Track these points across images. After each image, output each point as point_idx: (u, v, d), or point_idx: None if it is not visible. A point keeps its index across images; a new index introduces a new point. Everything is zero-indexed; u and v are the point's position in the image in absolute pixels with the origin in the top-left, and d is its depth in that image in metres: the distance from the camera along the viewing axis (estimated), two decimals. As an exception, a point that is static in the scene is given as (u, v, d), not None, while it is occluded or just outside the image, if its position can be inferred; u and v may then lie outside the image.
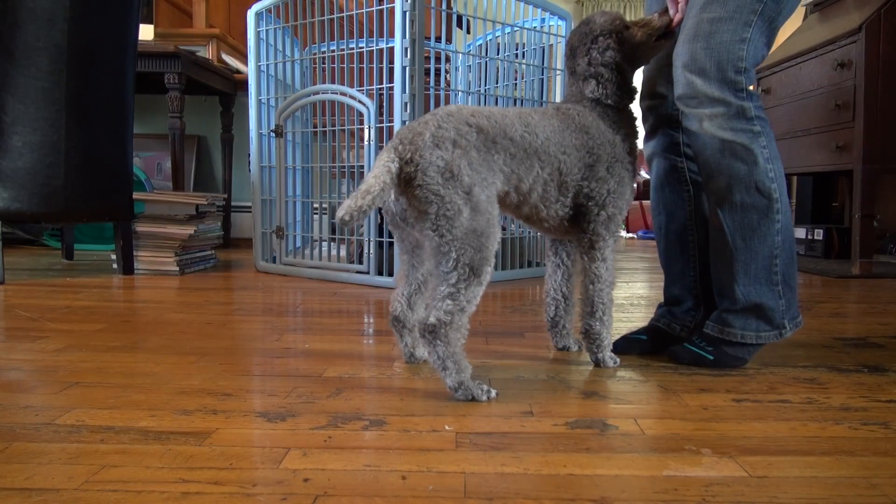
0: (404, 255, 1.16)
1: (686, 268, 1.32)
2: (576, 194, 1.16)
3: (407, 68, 2.05)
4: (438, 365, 1.00)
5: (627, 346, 1.31)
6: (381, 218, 2.19)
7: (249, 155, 2.59)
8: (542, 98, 2.49)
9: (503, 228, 2.44)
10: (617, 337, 1.33)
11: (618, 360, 1.22)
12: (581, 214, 1.18)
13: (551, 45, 2.51)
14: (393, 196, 1.05)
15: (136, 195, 2.39)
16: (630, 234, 5.29)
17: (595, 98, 1.20)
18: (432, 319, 0.99)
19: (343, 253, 2.46)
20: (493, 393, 1.02)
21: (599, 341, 1.20)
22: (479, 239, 0.99)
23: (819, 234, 3.39)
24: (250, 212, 3.54)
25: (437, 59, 2.79)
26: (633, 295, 2.07)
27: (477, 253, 0.99)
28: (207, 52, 3.48)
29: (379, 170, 1.00)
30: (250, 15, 2.48)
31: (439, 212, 0.98)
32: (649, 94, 1.32)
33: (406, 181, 1.00)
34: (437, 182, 0.98)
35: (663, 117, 1.31)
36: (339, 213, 0.96)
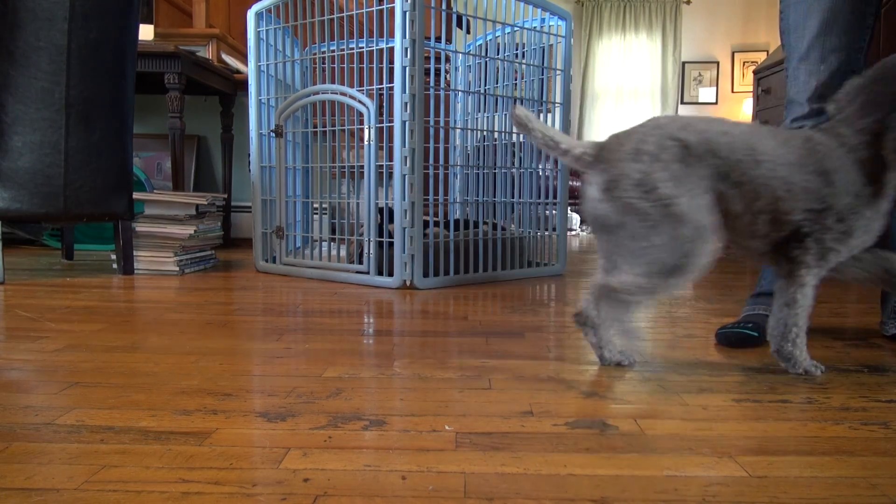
0: (602, 258, 1.16)
1: None
2: (794, 231, 1.10)
3: (407, 68, 2.05)
4: (607, 321, 1.06)
5: (736, 342, 1.37)
6: (382, 218, 2.19)
7: (249, 155, 2.60)
8: (542, 98, 2.49)
9: (503, 228, 2.44)
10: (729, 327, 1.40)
11: (822, 367, 1.18)
12: (791, 241, 1.11)
13: (551, 46, 2.51)
14: (597, 199, 1.06)
15: (136, 195, 2.39)
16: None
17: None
18: (614, 283, 1.02)
19: (343, 253, 2.46)
20: (633, 359, 1.12)
21: (794, 360, 1.16)
22: (683, 247, 0.99)
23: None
24: (250, 212, 3.54)
25: (437, 59, 2.79)
26: (633, 295, 2.07)
27: (682, 258, 1.00)
28: (207, 52, 3.48)
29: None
30: (250, 15, 2.48)
31: (636, 222, 0.99)
32: (819, 96, 1.34)
33: (605, 190, 1.02)
34: (633, 195, 0.99)
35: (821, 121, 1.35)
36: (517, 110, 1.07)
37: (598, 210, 1.06)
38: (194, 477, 0.72)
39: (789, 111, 1.42)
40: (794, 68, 1.39)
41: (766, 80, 3.41)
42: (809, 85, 1.37)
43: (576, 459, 0.78)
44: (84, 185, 2.17)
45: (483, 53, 2.56)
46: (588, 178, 1.09)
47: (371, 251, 2.19)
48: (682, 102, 7.43)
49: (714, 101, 7.39)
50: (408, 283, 2.13)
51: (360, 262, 2.27)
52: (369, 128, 2.16)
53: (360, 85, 2.31)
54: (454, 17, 2.70)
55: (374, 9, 2.14)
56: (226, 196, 2.87)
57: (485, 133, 2.49)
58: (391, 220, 2.17)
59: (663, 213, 0.99)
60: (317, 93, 2.32)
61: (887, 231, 1.23)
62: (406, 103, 2.06)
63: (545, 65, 2.49)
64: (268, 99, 2.50)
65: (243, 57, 3.78)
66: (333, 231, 2.54)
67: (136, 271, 2.39)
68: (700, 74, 7.38)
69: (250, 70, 2.50)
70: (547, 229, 2.55)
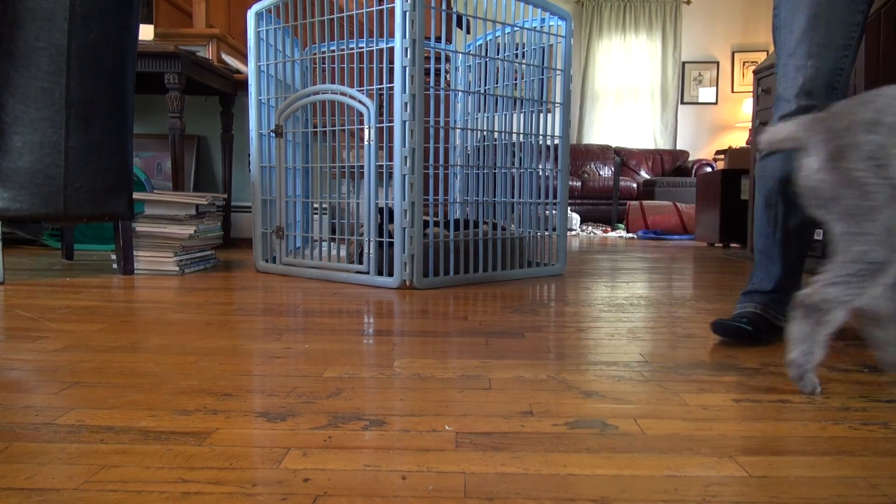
0: None
1: (800, 260, 1.42)
2: None
3: (407, 68, 2.04)
4: (792, 335, 0.98)
5: (731, 333, 1.36)
6: (382, 218, 2.19)
7: (249, 155, 2.60)
8: (542, 98, 2.49)
9: (503, 228, 2.44)
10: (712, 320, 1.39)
11: None
12: None
13: (551, 46, 2.51)
14: (815, 169, 0.98)
15: (136, 195, 2.39)
16: (630, 234, 5.29)
17: None
18: (809, 299, 0.95)
19: (343, 253, 2.46)
20: (818, 389, 1.02)
21: None
22: (893, 241, 0.90)
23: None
24: (250, 212, 3.54)
25: (437, 59, 2.79)
26: (633, 295, 2.07)
27: (891, 253, 0.91)
28: (207, 52, 3.48)
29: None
30: (250, 15, 2.48)
31: (853, 199, 0.91)
32: (806, 93, 1.33)
33: (830, 159, 0.93)
34: (861, 167, 0.90)
35: None
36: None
37: (814, 181, 0.96)
38: (194, 477, 0.72)
39: (777, 108, 1.40)
40: (783, 65, 1.38)
41: (766, 80, 3.41)
42: (797, 81, 1.35)
43: (576, 459, 0.78)
44: (84, 186, 2.17)
45: (483, 53, 2.56)
46: (807, 148, 0.99)
47: (371, 251, 2.19)
48: (682, 102, 7.43)
49: (714, 101, 7.39)
50: (408, 283, 2.13)
51: (360, 262, 2.27)
52: (369, 128, 2.16)
53: (360, 85, 2.31)
54: (454, 17, 2.70)
55: (374, 9, 2.14)
56: (226, 196, 2.87)
57: (485, 133, 2.49)
58: (391, 220, 2.17)
59: (889, 194, 0.89)
60: (317, 93, 2.32)
61: None
62: (406, 103, 2.06)
63: (545, 65, 2.49)
64: (268, 99, 2.50)
65: (243, 57, 3.78)
66: (333, 231, 2.54)
67: (136, 271, 2.39)
68: (700, 74, 7.38)
69: (250, 70, 2.50)
70: (547, 229, 2.55)
